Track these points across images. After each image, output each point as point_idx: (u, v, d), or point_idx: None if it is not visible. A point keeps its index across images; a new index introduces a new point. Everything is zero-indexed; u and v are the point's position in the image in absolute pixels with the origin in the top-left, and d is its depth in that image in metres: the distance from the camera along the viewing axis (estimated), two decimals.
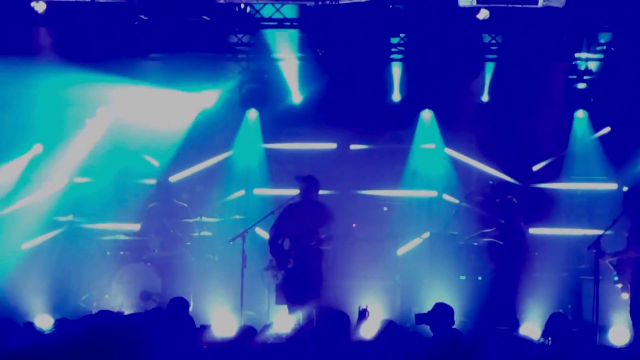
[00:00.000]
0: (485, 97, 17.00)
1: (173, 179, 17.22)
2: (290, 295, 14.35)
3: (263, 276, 14.80)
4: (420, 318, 11.11)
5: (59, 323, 11.01)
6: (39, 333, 10.22)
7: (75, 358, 3.20)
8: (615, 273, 14.51)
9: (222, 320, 15.19)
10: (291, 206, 14.69)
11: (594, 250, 14.54)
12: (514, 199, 15.75)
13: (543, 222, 16.56)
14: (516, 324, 14.57)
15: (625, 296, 14.04)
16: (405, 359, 9.19)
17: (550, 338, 11.42)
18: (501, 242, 15.57)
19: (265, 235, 15.45)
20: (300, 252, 14.34)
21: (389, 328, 10.36)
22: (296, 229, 14.46)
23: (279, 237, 14.57)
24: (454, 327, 11.35)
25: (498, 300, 15.12)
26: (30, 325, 10.98)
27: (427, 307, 14.47)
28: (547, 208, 16.75)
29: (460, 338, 10.74)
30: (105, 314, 10.12)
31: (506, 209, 15.60)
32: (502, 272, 15.48)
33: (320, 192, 14.90)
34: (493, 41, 16.56)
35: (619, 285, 14.39)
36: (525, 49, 16.25)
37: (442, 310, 11.00)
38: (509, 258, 15.51)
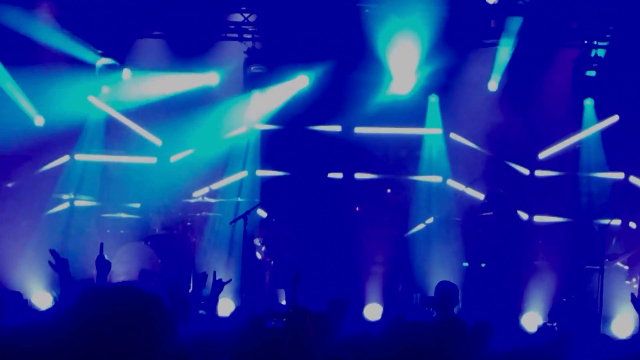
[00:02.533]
0: (493, 84, 16.82)
1: (174, 158, 17.09)
2: (288, 279, 14.14)
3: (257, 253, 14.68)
4: (427, 301, 10.99)
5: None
6: (36, 311, 10.12)
7: (76, 334, 3.03)
8: (627, 269, 14.41)
9: (221, 302, 15.09)
10: (290, 188, 14.43)
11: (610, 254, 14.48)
12: (499, 189, 15.62)
13: (548, 211, 16.45)
14: (519, 312, 14.48)
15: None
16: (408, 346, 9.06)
17: (556, 323, 11.34)
18: (495, 228, 15.50)
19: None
20: (301, 242, 14.11)
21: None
22: (299, 213, 14.23)
23: (272, 217, 14.34)
24: (456, 313, 11.21)
25: (501, 288, 15.00)
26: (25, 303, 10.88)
27: (429, 293, 14.42)
28: (552, 196, 16.63)
29: (462, 325, 10.62)
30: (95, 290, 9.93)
31: (500, 215, 15.50)
32: (503, 260, 15.37)
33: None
34: (502, 26, 16.39)
35: (634, 280, 14.33)
36: (534, 36, 16.10)
37: (446, 289, 10.86)
38: (507, 246, 15.41)
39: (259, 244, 14.47)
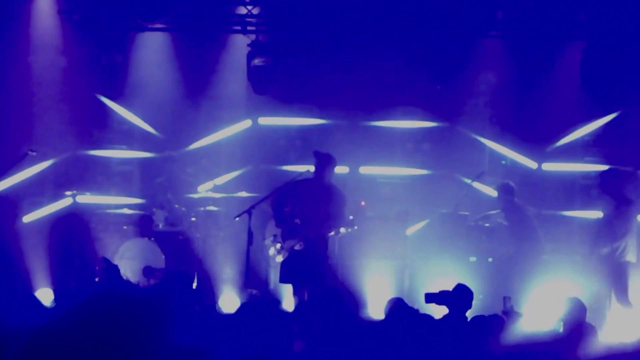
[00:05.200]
0: (500, 76, 16.69)
1: (179, 152, 16.97)
2: (296, 275, 13.99)
3: (263, 249, 14.54)
4: (430, 297, 10.84)
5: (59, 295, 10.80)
6: (41, 307, 9.99)
7: (81, 331, 2.91)
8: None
9: (226, 298, 15.01)
10: (302, 182, 14.23)
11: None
12: (511, 183, 15.52)
13: (556, 204, 16.33)
14: (522, 308, 14.34)
15: None
16: (415, 338, 8.95)
17: (562, 323, 11.20)
18: (506, 223, 15.39)
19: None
20: (311, 236, 13.89)
21: (398, 307, 10.14)
22: (307, 209, 14.03)
23: (284, 208, 14.13)
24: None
25: (508, 283, 14.87)
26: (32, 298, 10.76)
27: (435, 288, 14.27)
28: (560, 189, 16.51)
29: (465, 321, 10.49)
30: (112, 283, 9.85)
31: (508, 209, 15.41)
32: (511, 255, 15.26)
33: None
34: (509, 17, 16.25)
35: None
36: (541, 27, 15.96)
37: (461, 292, 10.70)
38: (515, 240, 15.30)
39: (269, 244, 14.33)
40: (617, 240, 14.11)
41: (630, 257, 14.07)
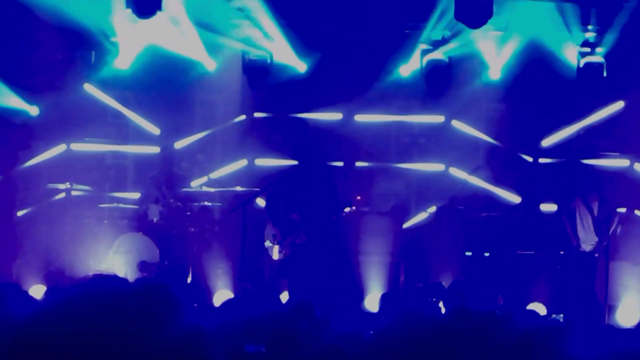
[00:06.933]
0: (496, 71, 16.64)
1: (174, 147, 16.91)
2: (295, 269, 13.94)
3: (259, 244, 14.52)
4: (424, 290, 10.85)
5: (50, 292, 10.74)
6: (33, 301, 9.95)
7: (72, 327, 2.85)
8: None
9: (220, 292, 14.98)
10: (290, 177, 14.20)
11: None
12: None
13: (553, 198, 16.32)
14: (524, 302, 14.34)
15: None
16: (408, 333, 8.90)
17: (562, 314, 11.21)
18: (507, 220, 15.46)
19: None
20: (311, 226, 13.85)
21: (391, 301, 10.12)
22: (301, 201, 14.00)
23: (278, 207, 14.10)
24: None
25: (505, 277, 14.86)
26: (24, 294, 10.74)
27: (429, 281, 14.25)
28: (556, 184, 16.51)
29: (469, 315, 10.45)
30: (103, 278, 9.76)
31: None
32: (508, 249, 15.26)
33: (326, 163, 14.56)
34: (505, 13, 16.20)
35: None
36: (538, 22, 15.94)
37: (458, 288, 10.70)
38: (511, 235, 15.33)
39: (270, 245, 14.30)
40: (576, 233, 14.31)
41: (586, 247, 14.31)
